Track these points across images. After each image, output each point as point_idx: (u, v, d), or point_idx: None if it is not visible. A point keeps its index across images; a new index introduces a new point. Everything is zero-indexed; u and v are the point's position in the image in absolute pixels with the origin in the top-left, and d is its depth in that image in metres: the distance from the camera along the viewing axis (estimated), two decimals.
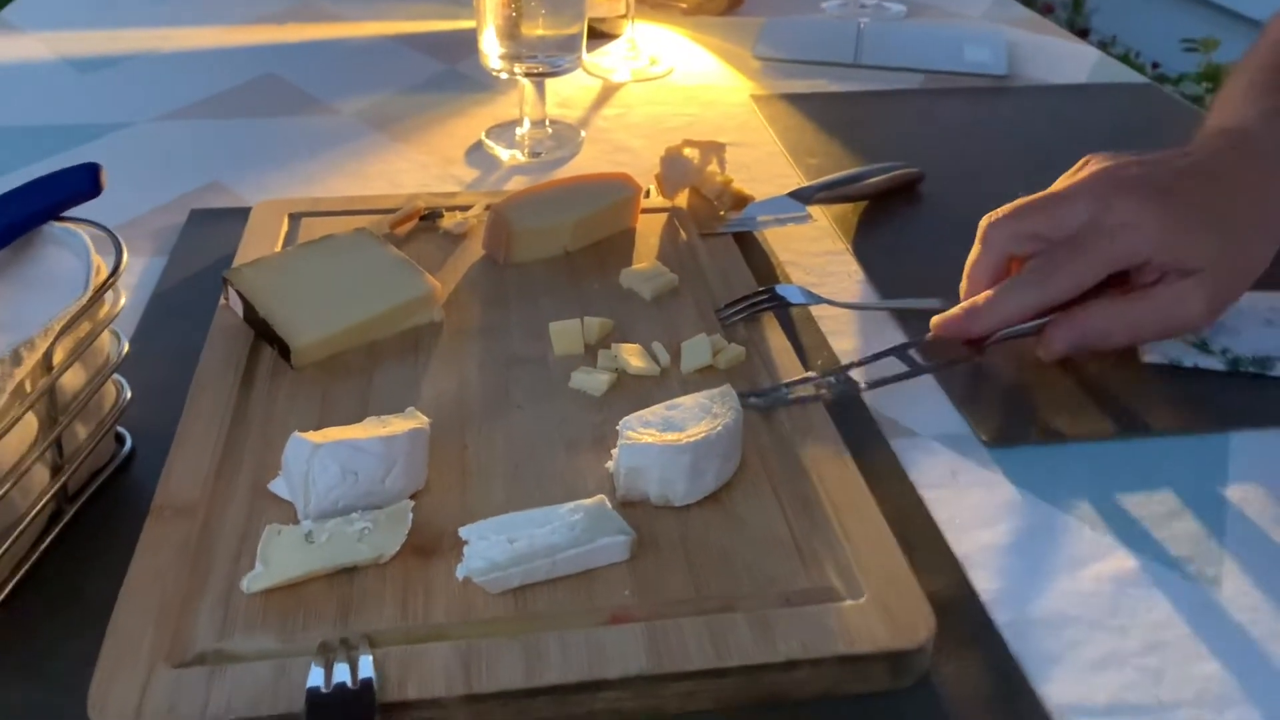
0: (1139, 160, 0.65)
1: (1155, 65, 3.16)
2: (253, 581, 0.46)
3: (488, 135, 0.97)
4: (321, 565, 0.46)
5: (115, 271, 0.53)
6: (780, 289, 0.69)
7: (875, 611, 0.46)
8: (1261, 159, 0.66)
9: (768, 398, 0.59)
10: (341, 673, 0.42)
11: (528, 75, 0.92)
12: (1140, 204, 0.60)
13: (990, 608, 0.50)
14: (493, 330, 0.66)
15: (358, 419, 0.54)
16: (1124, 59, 1.33)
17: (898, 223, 0.85)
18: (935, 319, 0.63)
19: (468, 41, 1.18)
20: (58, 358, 0.50)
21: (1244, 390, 0.65)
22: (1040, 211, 0.63)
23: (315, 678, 0.42)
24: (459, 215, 0.77)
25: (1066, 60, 1.21)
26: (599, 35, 1.21)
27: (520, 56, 0.90)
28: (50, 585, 0.50)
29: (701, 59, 1.19)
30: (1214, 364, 0.67)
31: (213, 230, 0.80)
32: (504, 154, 0.94)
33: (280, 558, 0.46)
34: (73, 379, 0.52)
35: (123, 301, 0.55)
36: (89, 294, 0.51)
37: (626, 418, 0.53)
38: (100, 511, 0.54)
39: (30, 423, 0.49)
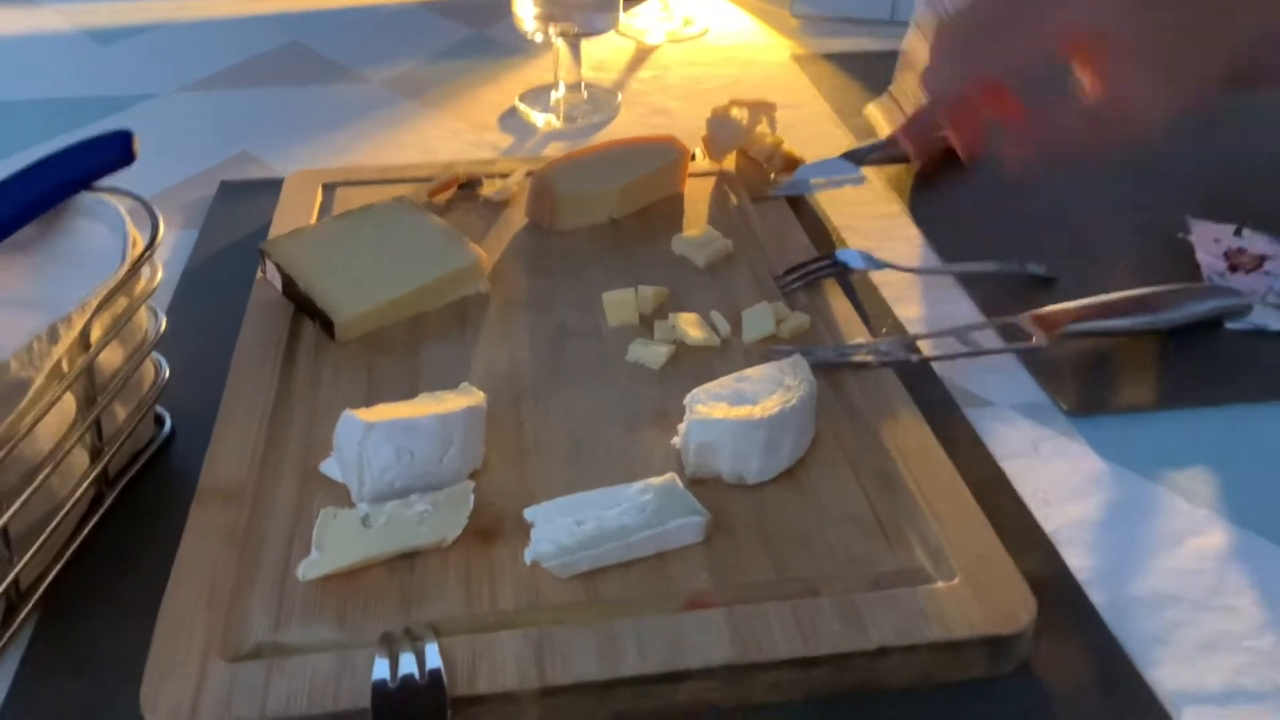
0: None
1: None
2: (309, 568, 0.43)
3: (522, 100, 0.94)
4: (381, 550, 0.44)
5: (152, 244, 0.50)
6: (841, 254, 0.66)
7: (970, 594, 0.43)
8: None
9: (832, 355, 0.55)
10: (408, 664, 0.39)
11: (563, 36, 0.88)
12: None
13: (1087, 587, 0.47)
14: (541, 301, 0.63)
15: (407, 396, 0.51)
16: None
17: (954, 182, 0.82)
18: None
19: (496, 5, 1.14)
20: (95, 335, 0.47)
21: None
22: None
23: (380, 670, 0.39)
24: (499, 183, 0.74)
25: None
26: None
27: (555, 17, 0.87)
28: (94, 573, 0.48)
29: (737, 18, 1.15)
30: None
31: (244, 202, 0.77)
32: (539, 119, 0.91)
33: (337, 543, 0.43)
34: (110, 357, 0.49)
35: (159, 275, 0.52)
36: (126, 267, 0.48)
37: (694, 391, 0.50)
38: (142, 495, 0.52)
39: (68, 403, 0.46)
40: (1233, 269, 0.69)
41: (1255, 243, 0.71)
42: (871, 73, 1.00)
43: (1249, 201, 0.77)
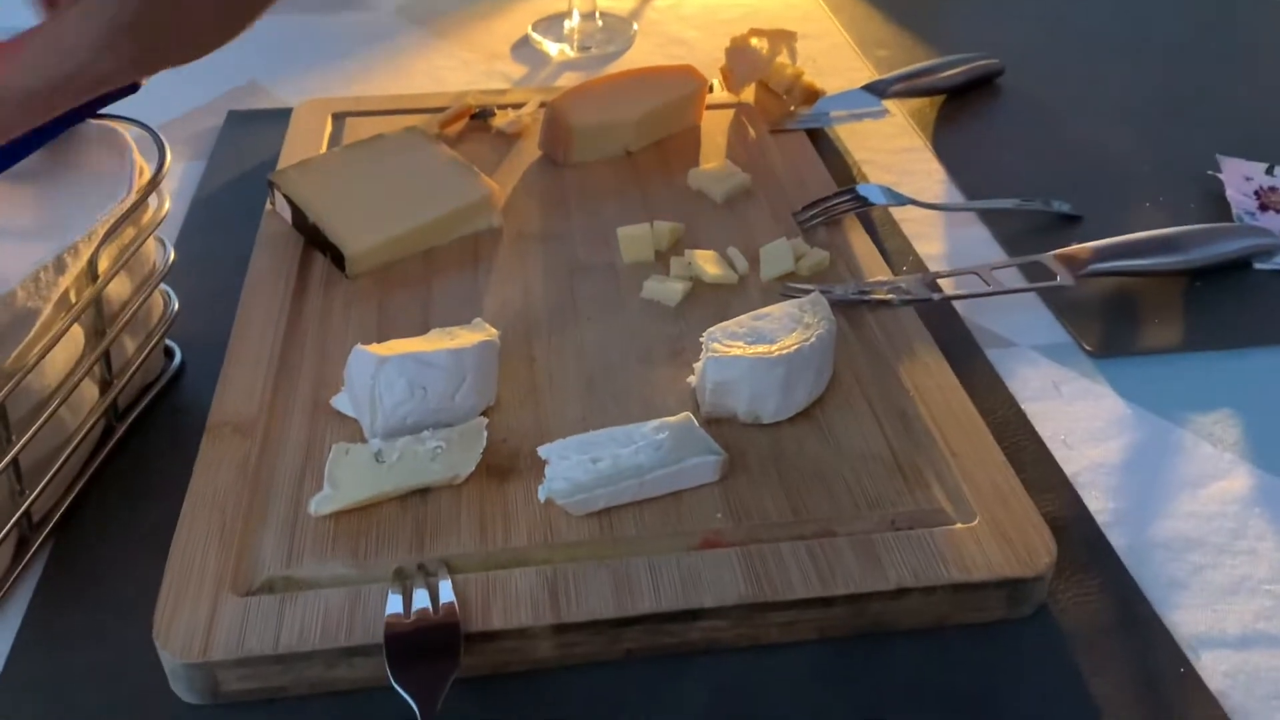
0: None
1: None
2: (321, 504, 0.43)
3: (534, 29, 0.91)
4: (394, 486, 0.43)
5: (159, 172, 0.49)
6: (862, 189, 0.64)
7: (990, 536, 0.42)
8: None
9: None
10: (421, 600, 0.39)
11: None
12: None
13: (1107, 530, 0.46)
14: (555, 236, 0.61)
15: (419, 331, 0.51)
16: None
17: (978, 117, 0.80)
18: None
19: None
20: (103, 265, 0.46)
21: None
22: None
23: (394, 606, 0.39)
24: (511, 113, 0.72)
25: None
26: None
27: None
28: (105, 506, 0.47)
29: None
30: None
31: (252, 132, 0.76)
32: (552, 49, 0.89)
33: (350, 478, 0.43)
34: (118, 289, 0.49)
35: (167, 205, 0.51)
36: (133, 196, 0.47)
37: (711, 329, 0.49)
38: (152, 428, 0.52)
39: (76, 335, 0.46)
40: (1263, 208, 0.67)
41: None
42: (894, 2, 0.97)
43: (1278, 139, 0.75)
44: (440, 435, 0.45)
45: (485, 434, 0.45)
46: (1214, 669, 0.41)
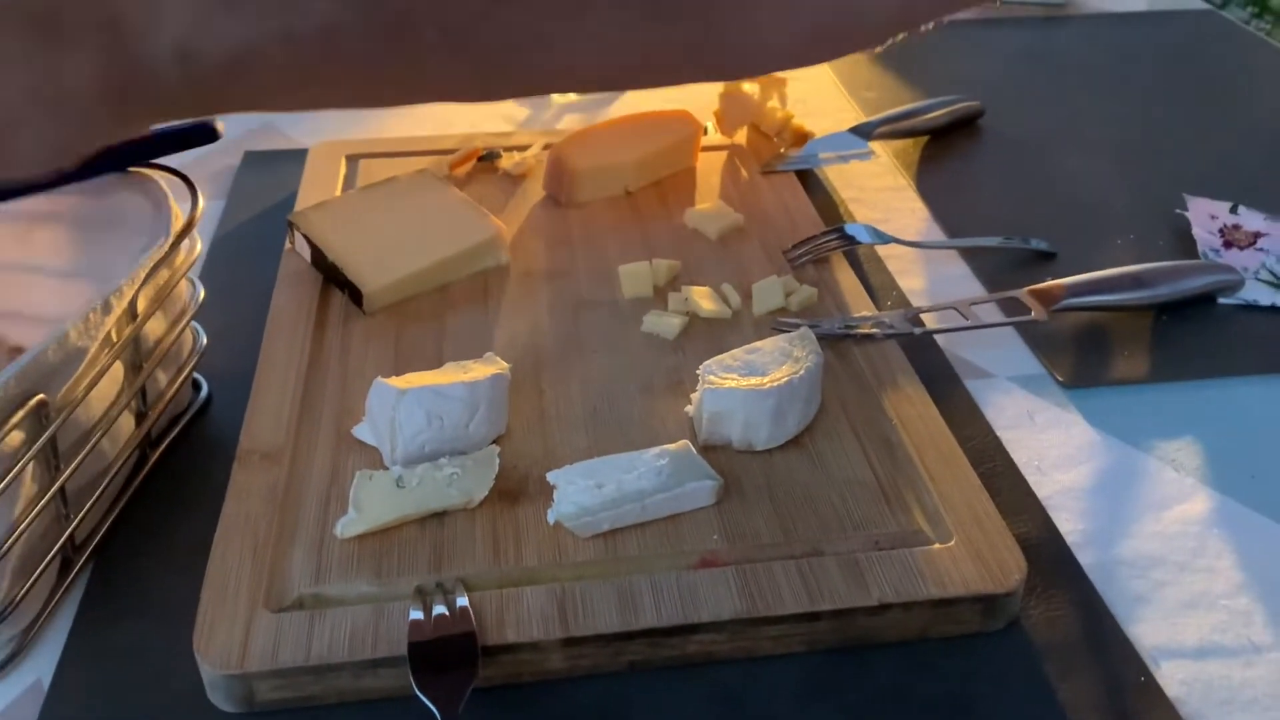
0: None
1: None
2: (347, 527, 0.46)
3: None
4: (414, 510, 0.47)
5: (192, 218, 0.53)
6: (849, 228, 0.68)
7: (966, 555, 0.46)
8: None
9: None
10: (440, 617, 0.42)
11: None
12: None
13: (1076, 549, 0.50)
14: (560, 273, 0.65)
15: (433, 364, 0.54)
16: None
17: (959, 157, 0.84)
18: None
19: None
20: (141, 306, 0.50)
21: None
22: None
23: (414, 618, 0.42)
24: (517, 155, 0.76)
25: None
26: None
27: None
28: (140, 529, 0.51)
29: None
30: None
31: (269, 172, 0.80)
32: None
33: (373, 503, 0.46)
34: (154, 326, 0.52)
35: (199, 248, 0.55)
36: (169, 241, 0.50)
37: (707, 362, 0.53)
38: (182, 457, 0.55)
39: (117, 371, 0.49)
40: (1227, 245, 0.71)
41: (1250, 220, 0.73)
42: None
43: (1245, 179, 0.79)
44: (456, 462, 0.48)
45: (497, 461, 0.49)
46: (1172, 677, 0.44)
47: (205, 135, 0.54)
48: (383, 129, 0.86)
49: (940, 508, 0.48)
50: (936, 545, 0.46)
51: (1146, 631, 0.46)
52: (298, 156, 0.79)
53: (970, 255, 0.71)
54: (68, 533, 0.47)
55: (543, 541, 0.47)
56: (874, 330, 0.59)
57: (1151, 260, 0.67)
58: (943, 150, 0.84)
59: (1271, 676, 0.45)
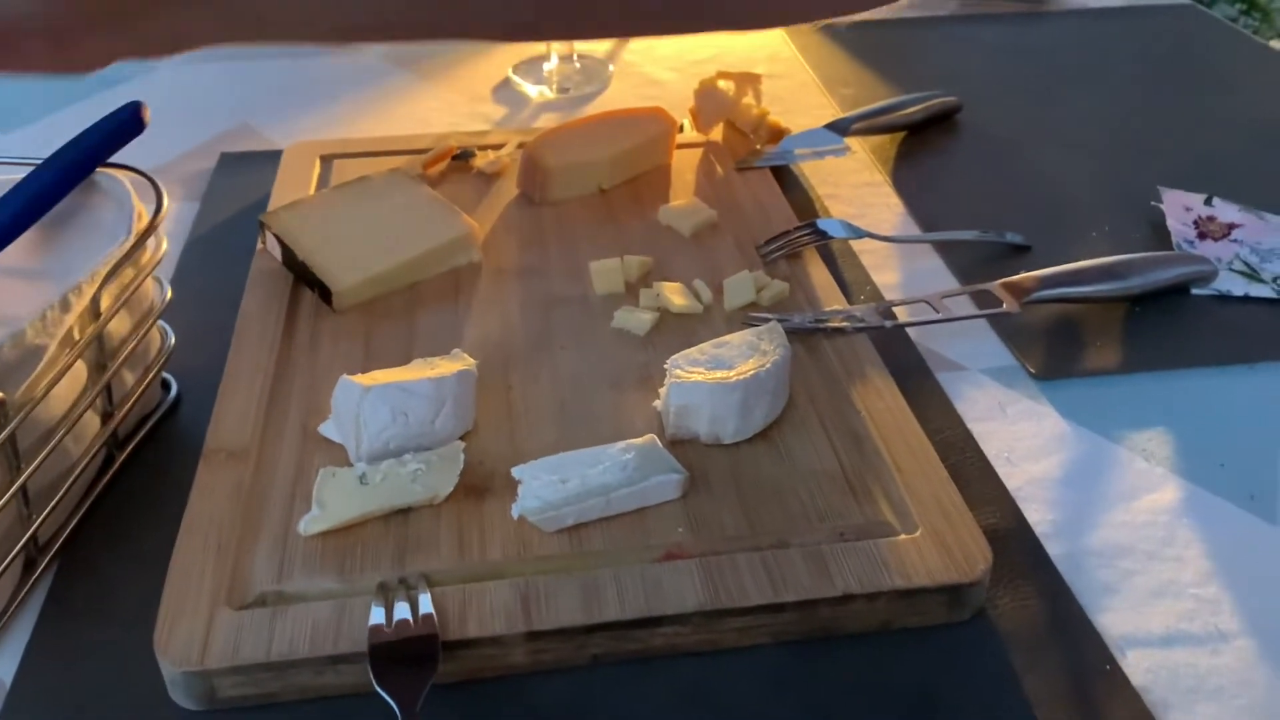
0: None
1: None
2: (310, 524, 0.46)
3: (515, 71, 0.95)
4: (377, 506, 0.46)
5: (155, 217, 0.53)
6: (821, 223, 0.68)
7: (931, 546, 0.45)
8: None
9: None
10: (402, 612, 0.42)
11: None
12: None
13: (1044, 540, 0.50)
14: (532, 270, 0.65)
15: (402, 361, 0.54)
16: None
17: (936, 153, 0.84)
18: None
19: None
20: (104, 304, 0.50)
21: None
22: None
23: (376, 617, 0.42)
24: (491, 154, 0.76)
25: None
26: None
27: None
28: (106, 529, 0.51)
29: None
30: (1265, 292, 0.66)
31: (244, 173, 0.79)
32: (532, 90, 0.93)
33: (336, 500, 0.46)
34: (119, 325, 0.52)
35: (164, 247, 0.55)
36: (132, 240, 0.50)
37: (674, 356, 0.52)
38: (150, 456, 0.55)
39: (80, 370, 0.49)
40: (1202, 236, 0.71)
41: (1225, 211, 0.73)
42: (860, 42, 1.02)
43: (1220, 172, 0.79)
44: (421, 458, 0.48)
45: (463, 457, 0.49)
46: (1138, 666, 0.44)
47: (133, 125, 0.53)
48: (357, 129, 0.86)
49: (906, 499, 0.48)
50: (902, 536, 0.46)
51: (1114, 621, 0.46)
52: (273, 158, 0.79)
53: (945, 249, 0.71)
54: (30, 532, 0.47)
55: (507, 536, 0.46)
56: (844, 324, 0.59)
57: (1126, 252, 0.67)
58: (919, 146, 0.84)
59: (1238, 664, 0.44)
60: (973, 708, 0.42)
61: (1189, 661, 0.45)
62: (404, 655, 0.41)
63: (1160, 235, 0.72)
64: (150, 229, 0.52)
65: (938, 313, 0.61)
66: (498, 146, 0.77)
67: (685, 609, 0.43)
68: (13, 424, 0.43)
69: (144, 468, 0.54)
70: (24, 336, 0.44)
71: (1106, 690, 0.43)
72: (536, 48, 0.99)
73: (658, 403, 0.53)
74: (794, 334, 0.57)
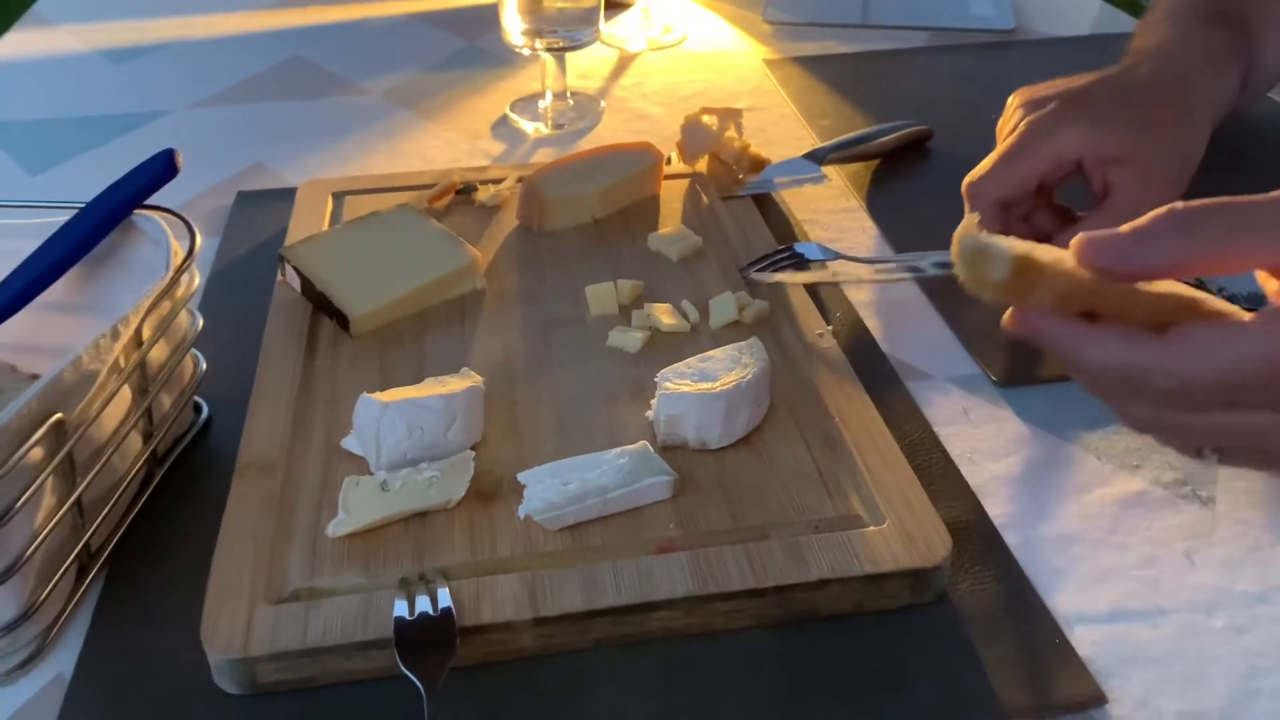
0: (1059, 81, 0.70)
1: None
2: (337, 527, 0.51)
3: (512, 109, 1.01)
4: (397, 510, 0.51)
5: (190, 253, 0.58)
6: (799, 246, 0.74)
7: (896, 535, 0.51)
8: (1177, 65, 0.70)
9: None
10: (423, 604, 0.47)
11: (549, 50, 0.95)
12: (1074, 113, 0.65)
13: (1002, 531, 0.55)
14: (531, 295, 0.70)
15: (415, 381, 0.59)
16: (1129, 5, 1.35)
17: (908, 179, 0.89)
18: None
19: (485, 17, 1.22)
20: (146, 334, 0.55)
21: None
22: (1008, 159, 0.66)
23: (400, 609, 0.47)
24: (492, 188, 0.81)
25: (1070, 12, 1.23)
26: (613, 5, 1.24)
27: (541, 32, 0.94)
28: (148, 540, 0.55)
29: (713, 24, 1.22)
30: None
31: (260, 210, 0.85)
32: (528, 127, 0.98)
33: (360, 505, 0.51)
34: (158, 353, 0.57)
35: (197, 281, 0.60)
36: (170, 274, 0.56)
37: (663, 370, 0.58)
38: (184, 473, 0.60)
39: (125, 394, 0.54)
40: None
41: None
42: (838, 75, 1.08)
43: (1192, 195, 0.84)
44: (435, 467, 0.53)
45: (473, 465, 0.54)
46: (1084, 639, 0.49)
47: (167, 170, 0.58)
48: (365, 166, 0.92)
49: (875, 495, 0.53)
50: (871, 528, 0.51)
51: (1063, 601, 0.51)
52: (287, 195, 0.84)
53: (916, 271, 0.76)
54: (83, 541, 0.51)
55: (515, 535, 0.51)
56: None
57: None
58: (892, 172, 0.90)
59: (1174, 636, 0.50)
60: (936, 678, 0.47)
61: (1130, 635, 0.50)
62: (426, 640, 0.46)
63: None
64: (186, 264, 0.57)
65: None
66: (498, 181, 0.83)
67: (676, 595, 0.48)
68: (71, 441, 0.48)
69: (179, 484, 0.59)
70: (81, 362, 0.49)
71: (1056, 661, 0.48)
72: (531, 85, 1.05)
73: (649, 413, 0.58)
74: (774, 346, 0.62)
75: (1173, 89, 0.68)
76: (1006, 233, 0.61)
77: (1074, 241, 0.39)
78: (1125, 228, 0.39)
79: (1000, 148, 0.66)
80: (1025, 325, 0.42)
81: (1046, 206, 0.68)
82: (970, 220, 0.39)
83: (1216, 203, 0.40)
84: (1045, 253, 0.38)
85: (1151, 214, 0.39)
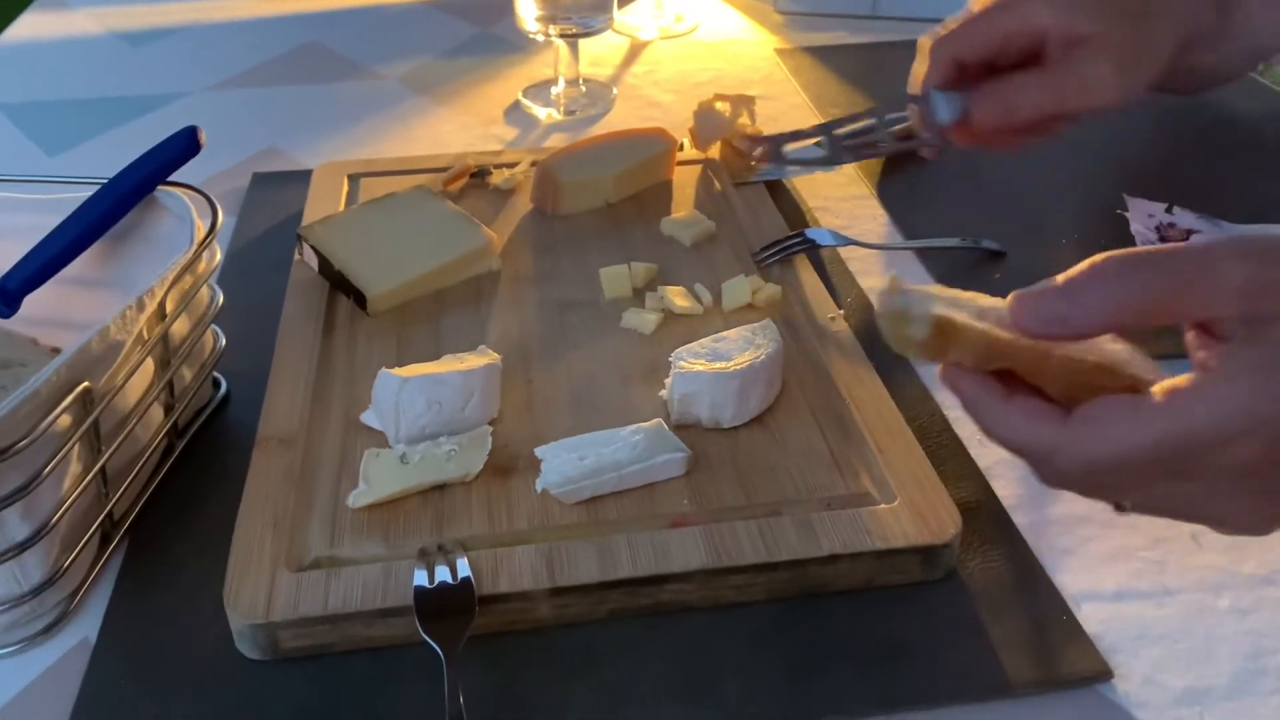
0: None
1: None
2: (357, 498, 0.52)
3: (525, 95, 1.02)
4: (416, 483, 0.52)
5: (213, 229, 0.59)
6: (810, 232, 0.74)
7: (906, 512, 0.51)
8: None
9: None
10: (442, 573, 0.48)
11: (563, 36, 0.96)
12: None
13: (1011, 511, 0.56)
14: (546, 277, 0.71)
15: (432, 359, 0.60)
16: None
17: (918, 167, 0.90)
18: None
19: (498, 4, 1.22)
20: (169, 307, 0.56)
21: None
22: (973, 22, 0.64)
23: (419, 578, 0.48)
24: (506, 172, 0.82)
25: None
26: None
27: (555, 18, 0.95)
28: (168, 510, 0.56)
29: (725, 14, 1.22)
30: None
31: (276, 191, 0.86)
32: (541, 113, 0.99)
33: (380, 477, 0.52)
34: (180, 327, 0.58)
35: (218, 257, 0.61)
36: (194, 249, 0.56)
37: (678, 350, 0.58)
38: (203, 446, 0.61)
39: (149, 366, 0.55)
40: (1163, 240, 0.77)
41: (1183, 219, 0.79)
42: (848, 64, 1.08)
43: (1180, 182, 0.85)
44: (454, 441, 0.54)
45: (490, 439, 0.55)
46: (1091, 617, 0.50)
47: (190, 147, 0.59)
48: (379, 150, 0.92)
49: (886, 474, 0.54)
50: (882, 505, 0.52)
51: (1071, 580, 0.52)
52: (301, 177, 0.85)
53: (925, 255, 0.77)
54: (107, 509, 0.52)
55: (532, 508, 0.52)
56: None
57: (1094, 255, 0.73)
58: (903, 161, 0.90)
59: (1180, 615, 0.50)
60: (945, 653, 0.48)
61: (1137, 613, 0.50)
62: (445, 608, 0.47)
63: (1126, 240, 0.78)
64: (208, 240, 0.58)
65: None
66: (512, 165, 0.83)
67: (690, 568, 0.49)
68: (98, 410, 0.49)
69: (199, 457, 0.60)
70: (108, 332, 0.50)
71: (1063, 637, 0.49)
72: (543, 72, 1.05)
73: (663, 392, 0.59)
74: (788, 328, 0.63)
75: None
76: (959, 87, 0.62)
77: (1009, 300, 0.40)
78: (1060, 279, 0.40)
79: (973, 10, 0.64)
80: (948, 381, 0.43)
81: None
82: (893, 282, 0.41)
83: (1158, 250, 0.40)
84: (964, 314, 0.40)
85: (1084, 265, 0.40)
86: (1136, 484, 0.41)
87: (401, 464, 0.53)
